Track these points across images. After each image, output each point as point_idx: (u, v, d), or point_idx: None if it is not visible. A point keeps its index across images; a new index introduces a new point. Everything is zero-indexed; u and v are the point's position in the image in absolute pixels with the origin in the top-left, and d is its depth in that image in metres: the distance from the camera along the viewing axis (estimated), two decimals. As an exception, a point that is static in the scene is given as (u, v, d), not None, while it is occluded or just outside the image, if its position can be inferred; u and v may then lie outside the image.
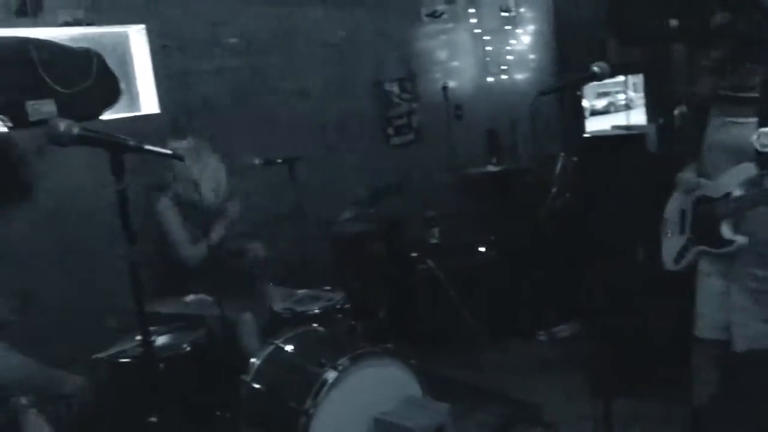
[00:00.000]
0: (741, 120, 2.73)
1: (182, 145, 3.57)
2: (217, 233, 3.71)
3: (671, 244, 3.09)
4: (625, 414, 3.36)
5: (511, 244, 4.94)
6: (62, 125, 1.75)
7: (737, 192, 2.75)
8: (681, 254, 3.04)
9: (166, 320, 3.27)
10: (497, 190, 5.47)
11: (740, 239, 2.76)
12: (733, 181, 2.77)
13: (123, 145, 1.84)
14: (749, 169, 2.70)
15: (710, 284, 2.93)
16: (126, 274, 3.91)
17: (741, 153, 2.72)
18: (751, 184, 2.71)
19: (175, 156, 2.00)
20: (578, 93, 2.80)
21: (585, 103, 5.14)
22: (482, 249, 4.91)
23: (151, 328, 3.08)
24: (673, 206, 3.11)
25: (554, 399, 3.90)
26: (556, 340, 4.79)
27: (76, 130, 1.77)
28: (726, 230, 2.79)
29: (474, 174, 5.60)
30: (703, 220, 2.89)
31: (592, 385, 3.83)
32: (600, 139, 5.15)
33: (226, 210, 3.80)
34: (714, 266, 2.91)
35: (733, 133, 2.76)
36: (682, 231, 3.04)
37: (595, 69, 2.55)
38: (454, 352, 4.40)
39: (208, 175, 3.61)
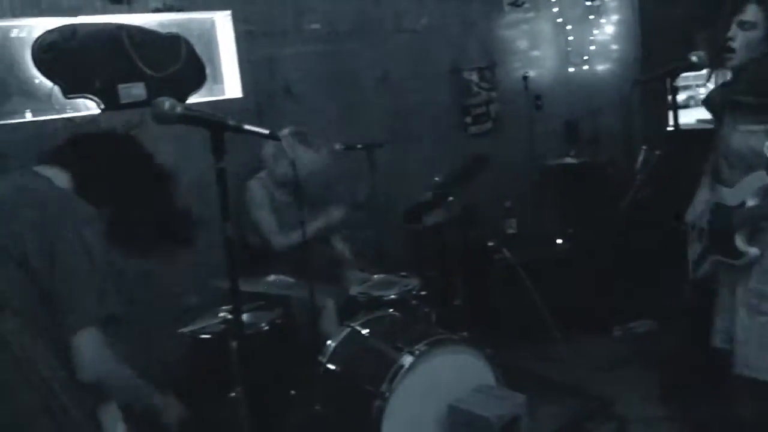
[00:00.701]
0: (754, 128, 2.61)
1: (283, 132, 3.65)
2: (313, 227, 3.74)
3: (692, 251, 2.98)
4: (700, 418, 3.26)
5: (590, 237, 4.84)
6: (166, 104, 1.78)
7: (751, 202, 2.63)
8: (698, 263, 2.92)
9: (247, 299, 3.34)
10: (576, 182, 5.36)
11: (752, 251, 2.63)
12: (748, 190, 2.64)
13: (223, 124, 1.86)
14: (763, 178, 2.58)
15: (722, 295, 2.82)
16: (205, 251, 4.06)
17: (756, 160, 2.60)
18: (765, 194, 2.59)
19: (272, 135, 2.02)
20: (673, 83, 2.69)
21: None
22: (559, 241, 4.83)
23: (229, 306, 3.21)
24: (695, 209, 2.99)
25: (627, 396, 3.82)
26: (632, 336, 4.68)
27: (179, 109, 1.80)
28: (740, 241, 2.66)
29: (552, 165, 5.51)
30: (719, 228, 2.76)
31: (667, 385, 3.74)
32: (685, 132, 4.97)
33: (329, 210, 3.84)
34: (727, 277, 2.79)
35: (748, 141, 2.63)
36: (700, 238, 2.92)
37: (694, 58, 2.48)
38: (528, 344, 4.35)
39: (306, 159, 3.65)
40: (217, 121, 1.85)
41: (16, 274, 1.72)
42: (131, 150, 2.10)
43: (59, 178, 1.89)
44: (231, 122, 1.88)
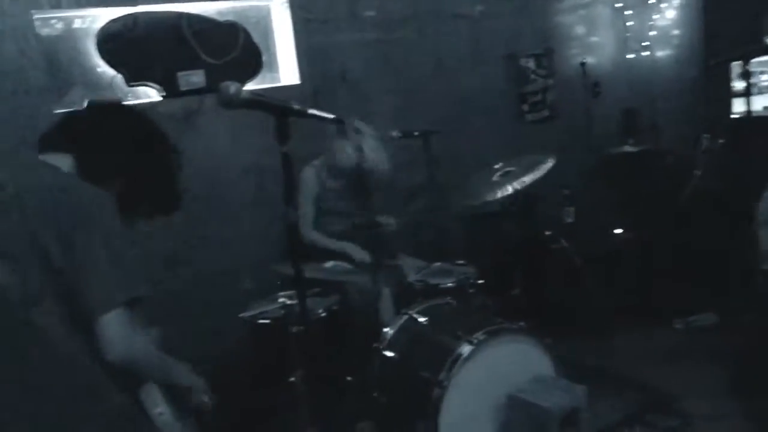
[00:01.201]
0: None
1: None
2: (341, 248, 3.72)
3: (765, 240, 2.85)
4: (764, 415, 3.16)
5: (649, 227, 4.72)
6: (232, 88, 1.80)
7: None
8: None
9: (304, 284, 3.35)
10: (635, 171, 5.24)
11: None
12: None
13: (288, 108, 1.86)
14: None
15: None
16: (261, 237, 4.09)
17: None
18: None
19: (337, 120, 2.01)
20: (746, 67, 2.60)
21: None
22: (618, 231, 4.73)
23: (288, 292, 3.24)
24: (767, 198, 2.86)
25: (688, 391, 3.72)
26: (693, 329, 4.55)
27: (244, 94, 1.81)
28: None
29: (611, 154, 5.39)
30: None
31: (730, 381, 3.63)
32: (749, 120, 4.82)
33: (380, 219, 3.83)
34: None
35: None
36: None
37: (769, 41, 2.37)
38: (586, 335, 4.26)
39: (367, 148, 3.64)
40: (281, 106, 1.84)
41: (44, 267, 1.73)
42: (135, 126, 2.01)
43: (62, 163, 1.87)
44: (296, 106, 1.87)
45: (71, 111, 2.02)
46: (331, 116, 1.99)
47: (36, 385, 1.75)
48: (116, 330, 1.71)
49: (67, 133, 1.93)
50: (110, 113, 2.01)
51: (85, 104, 2.08)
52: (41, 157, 1.88)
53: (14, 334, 1.74)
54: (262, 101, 1.84)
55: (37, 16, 3.70)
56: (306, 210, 3.83)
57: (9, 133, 3.53)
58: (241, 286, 3.88)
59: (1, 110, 3.59)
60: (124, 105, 2.09)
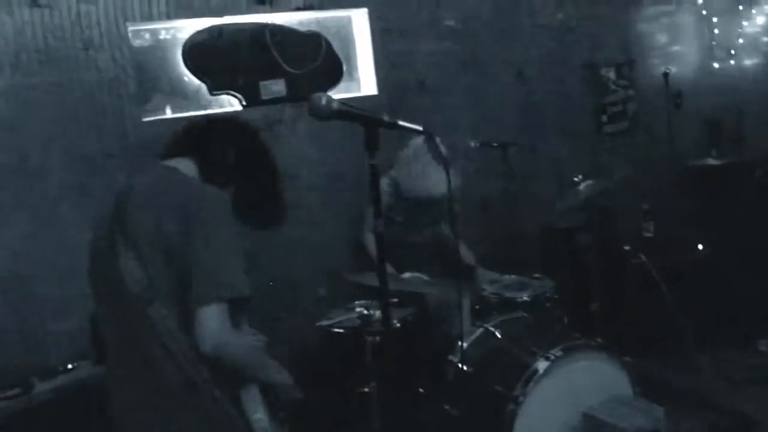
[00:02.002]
0: None
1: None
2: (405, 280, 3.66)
3: None
4: None
5: (734, 243, 4.55)
6: (323, 99, 1.81)
7: None
8: None
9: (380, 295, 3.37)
10: (719, 184, 5.07)
11: None
12: None
13: (378, 120, 1.87)
14: None
15: None
16: (338, 246, 4.14)
17: None
18: None
19: (426, 132, 2.01)
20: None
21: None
22: (701, 246, 4.58)
23: (365, 302, 3.27)
24: None
25: (771, 416, 3.58)
26: (779, 351, 4.38)
27: (335, 105, 1.81)
28: None
29: (694, 166, 5.23)
30: None
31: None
32: None
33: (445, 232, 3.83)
34: None
35: None
36: None
37: None
38: (664, 353, 4.16)
39: (435, 179, 3.63)
40: (371, 117, 1.86)
41: (161, 261, 1.83)
42: (245, 134, 2.15)
43: (184, 167, 2.01)
44: (385, 118, 1.88)
45: (194, 121, 2.15)
46: (420, 128, 1.99)
47: (152, 378, 1.85)
48: (215, 323, 1.79)
49: (190, 140, 2.08)
50: (228, 126, 2.14)
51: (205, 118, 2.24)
52: (165, 162, 2.03)
53: (135, 327, 1.84)
54: (352, 112, 1.86)
55: (132, 28, 3.86)
56: (369, 214, 3.85)
57: (118, 136, 3.76)
58: (316, 294, 3.94)
59: (98, 117, 3.75)
60: (240, 120, 2.20)
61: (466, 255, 3.84)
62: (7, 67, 3.60)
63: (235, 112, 2.31)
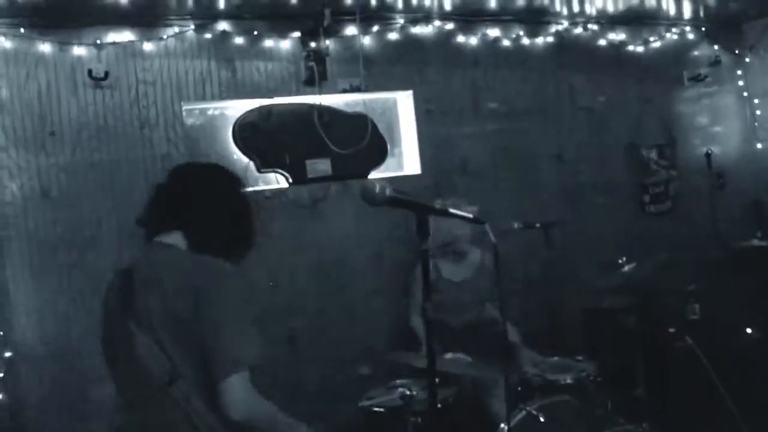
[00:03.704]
0: None
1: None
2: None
3: None
4: None
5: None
6: (377, 186, 1.83)
7: None
8: None
9: (421, 374, 3.36)
10: (766, 267, 4.98)
11: None
12: None
13: (429, 208, 1.91)
14: None
15: None
16: (379, 325, 4.14)
17: None
18: None
19: (477, 220, 2.04)
20: None
21: None
22: (749, 330, 4.47)
23: (406, 381, 3.26)
24: None
25: None
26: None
27: (388, 192, 1.84)
28: None
29: (739, 248, 5.16)
30: None
31: None
32: None
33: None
34: None
35: None
36: None
37: None
38: (713, 440, 4.02)
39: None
40: (423, 205, 1.89)
41: (175, 341, 1.87)
42: (224, 187, 2.13)
43: (177, 241, 2.01)
44: (437, 206, 1.92)
45: (175, 193, 2.09)
46: (471, 216, 2.03)
47: None
48: (241, 391, 1.82)
49: (176, 215, 2.04)
50: (208, 186, 2.11)
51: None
52: (159, 238, 2.03)
53: (159, 408, 1.87)
54: (405, 200, 1.88)
55: (186, 107, 4.03)
56: (416, 295, 3.87)
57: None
58: (357, 372, 3.93)
59: (150, 192, 3.87)
60: (217, 172, 2.19)
61: (512, 335, 3.81)
62: (69, 145, 3.79)
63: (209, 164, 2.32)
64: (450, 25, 4.53)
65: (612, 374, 3.64)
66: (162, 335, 1.87)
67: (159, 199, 2.10)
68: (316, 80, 4.13)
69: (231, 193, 2.12)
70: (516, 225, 3.79)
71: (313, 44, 4.15)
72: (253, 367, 1.88)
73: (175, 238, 2.02)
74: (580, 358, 3.66)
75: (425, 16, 4.45)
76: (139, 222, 2.10)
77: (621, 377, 3.82)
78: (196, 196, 2.06)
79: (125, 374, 1.99)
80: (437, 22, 4.49)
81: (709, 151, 5.26)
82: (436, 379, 3.10)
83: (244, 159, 4.13)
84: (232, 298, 1.89)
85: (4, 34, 3.67)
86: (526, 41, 4.77)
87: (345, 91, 4.27)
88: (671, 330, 4.25)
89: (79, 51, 3.80)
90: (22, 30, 3.69)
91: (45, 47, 3.74)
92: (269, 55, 4.18)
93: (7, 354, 3.63)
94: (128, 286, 1.96)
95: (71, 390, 3.71)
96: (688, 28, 5.32)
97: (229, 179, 2.16)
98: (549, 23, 4.84)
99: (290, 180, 4.19)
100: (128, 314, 1.92)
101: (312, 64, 4.14)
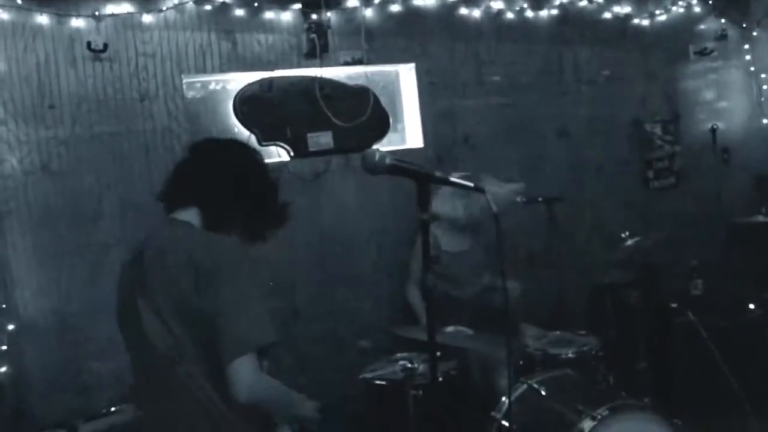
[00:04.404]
0: None
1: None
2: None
3: None
4: None
5: (787, 303, 4.43)
6: (377, 155, 1.84)
7: None
8: None
9: (422, 348, 3.36)
10: (769, 243, 4.96)
11: None
12: None
13: (430, 175, 1.89)
14: None
15: None
16: (379, 299, 4.14)
17: None
18: None
19: (478, 188, 2.02)
20: None
21: None
22: (752, 306, 4.46)
23: (407, 354, 3.26)
24: None
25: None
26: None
27: (388, 160, 1.84)
28: None
29: (743, 223, 5.14)
30: None
31: None
32: None
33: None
34: None
35: None
36: None
37: None
38: (713, 416, 4.01)
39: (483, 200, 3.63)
40: (424, 173, 1.87)
41: (183, 320, 1.85)
42: (244, 163, 2.12)
43: (192, 217, 2.00)
44: (438, 174, 1.90)
45: (195, 167, 2.09)
46: (472, 184, 2.01)
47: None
48: (248, 373, 1.82)
49: (193, 190, 2.05)
50: (227, 162, 2.10)
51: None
52: (174, 215, 2.03)
53: (165, 384, 1.87)
54: (405, 168, 1.87)
55: (186, 80, 4.00)
56: (414, 268, 3.86)
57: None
58: (358, 345, 3.93)
59: (151, 166, 3.87)
60: (238, 148, 2.18)
61: (513, 308, 3.81)
62: (68, 118, 3.76)
63: (230, 141, 2.29)
64: (453, -3, 4.48)
65: (614, 349, 3.65)
66: (168, 314, 1.86)
67: (177, 175, 2.09)
68: (317, 53, 4.09)
69: (252, 172, 2.10)
70: (519, 199, 3.77)
71: (314, 16, 4.11)
72: (264, 348, 1.87)
73: (190, 215, 2.01)
74: (582, 332, 3.67)
75: (428, -12, 4.40)
76: (159, 197, 2.08)
77: (623, 352, 3.83)
78: (214, 173, 2.04)
79: (135, 351, 1.99)
80: (440, -6, 4.44)
81: (715, 127, 5.22)
82: (438, 353, 3.14)
83: (245, 132, 4.10)
84: (239, 278, 1.87)
85: (2, 6, 3.62)
86: (529, 14, 4.70)
87: (347, 63, 4.22)
88: (674, 305, 4.25)
89: (77, 23, 3.75)
90: (19, 1, 3.64)
91: (43, 19, 3.69)
92: (270, 27, 4.12)
93: (10, 327, 3.64)
94: (140, 262, 1.95)
95: (73, 363, 3.72)
96: (694, 2, 5.24)
97: (250, 157, 2.15)
98: (553, -5, 4.78)
99: (291, 153, 4.16)
100: (138, 291, 1.92)
101: (313, 36, 4.10)
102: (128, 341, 2.04)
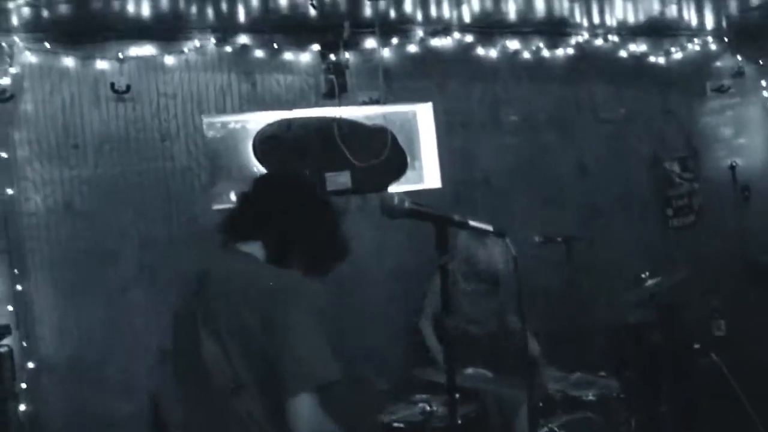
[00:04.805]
0: None
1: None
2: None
3: None
4: None
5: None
6: (396, 198, 1.83)
7: None
8: None
9: (440, 390, 3.33)
10: (793, 282, 4.89)
11: None
12: None
13: (448, 219, 1.87)
14: None
15: None
16: (398, 339, 4.11)
17: None
18: None
19: (497, 233, 2.01)
20: None
21: None
22: (777, 347, 4.39)
23: (426, 396, 3.23)
24: None
25: None
26: None
27: (407, 204, 1.83)
28: None
29: (765, 262, 5.07)
30: None
31: None
32: None
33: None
34: None
35: None
36: None
37: None
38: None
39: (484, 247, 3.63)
40: (443, 217, 1.86)
41: (244, 353, 1.84)
42: (306, 196, 2.09)
43: (256, 250, 1.98)
44: (456, 218, 1.89)
45: (256, 201, 2.07)
46: (491, 228, 1.99)
47: None
48: (308, 410, 1.77)
49: (258, 225, 2.02)
50: (291, 195, 2.07)
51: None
52: (239, 246, 2.00)
53: (221, 416, 1.85)
54: (424, 212, 1.86)
55: (206, 120, 4.05)
56: (429, 304, 3.84)
57: (188, 222, 3.94)
58: (377, 387, 3.90)
59: (171, 205, 3.92)
60: (299, 182, 2.18)
61: (533, 348, 3.78)
62: (91, 157, 3.82)
63: (294, 174, 2.30)
64: (469, 38, 4.51)
65: (636, 391, 3.59)
66: (228, 344, 1.83)
67: (241, 208, 2.08)
68: (335, 93, 4.13)
69: (314, 206, 2.08)
70: (537, 239, 3.75)
71: (332, 57, 4.16)
72: (325, 386, 1.82)
73: (254, 248, 1.99)
74: (603, 374, 3.62)
75: (444, 29, 4.44)
76: (220, 229, 2.07)
77: (645, 394, 3.77)
78: (278, 207, 2.03)
79: (190, 381, 1.98)
80: (457, 35, 4.48)
81: (734, 164, 5.20)
82: (457, 395, 3.11)
83: (263, 171, 4.13)
84: (303, 312, 1.84)
85: (30, 49, 3.72)
86: (546, 53, 4.74)
87: (365, 103, 4.27)
88: (696, 346, 4.19)
89: (101, 65, 3.84)
90: (46, 44, 3.74)
91: (69, 61, 3.79)
92: (289, 68, 4.19)
93: (30, 365, 3.66)
94: (201, 291, 1.94)
95: (93, 402, 3.72)
96: (710, 39, 5.26)
97: (312, 191, 2.15)
98: (569, 35, 4.80)
99: (309, 193, 4.17)
100: (198, 319, 1.90)
101: (332, 76, 4.15)
102: (185, 371, 2.02)
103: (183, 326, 1.99)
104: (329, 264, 2.10)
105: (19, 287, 3.68)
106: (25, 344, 3.66)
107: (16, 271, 3.68)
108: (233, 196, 4.11)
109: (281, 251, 2.00)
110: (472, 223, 1.96)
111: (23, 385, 3.60)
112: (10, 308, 3.65)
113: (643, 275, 3.68)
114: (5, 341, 3.47)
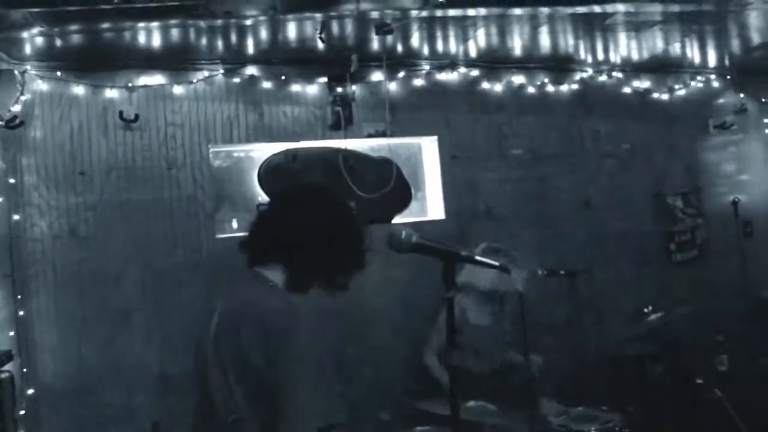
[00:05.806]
0: None
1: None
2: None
3: None
4: None
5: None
6: (403, 233, 1.83)
7: None
8: None
9: (442, 422, 3.31)
10: (797, 318, 4.87)
11: None
12: None
13: (456, 254, 1.88)
14: None
15: None
16: (402, 371, 4.09)
17: None
18: None
19: (503, 268, 2.02)
20: None
21: None
22: (780, 383, 4.36)
23: (428, 428, 3.21)
24: None
25: None
26: None
27: (414, 239, 1.83)
28: None
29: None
30: None
31: None
32: None
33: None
34: None
35: None
36: None
37: None
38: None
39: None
40: (450, 252, 1.87)
41: (244, 384, 1.82)
42: (333, 211, 2.07)
43: (279, 278, 1.95)
44: (464, 253, 1.90)
45: (280, 222, 2.02)
46: (497, 263, 2.01)
47: None
48: None
49: (279, 250, 1.97)
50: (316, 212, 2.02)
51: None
52: (257, 268, 1.97)
53: None
54: (431, 247, 1.86)
55: (213, 149, 4.09)
56: (434, 337, 3.83)
57: (193, 251, 3.96)
58: (379, 417, 3.88)
59: (176, 233, 3.95)
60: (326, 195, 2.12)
61: (535, 361, 3.77)
62: (97, 184, 3.85)
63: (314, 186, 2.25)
64: (475, 72, 4.57)
65: (638, 425, 3.56)
66: (232, 375, 1.82)
67: (261, 226, 2.05)
68: (342, 125, 4.18)
69: (337, 212, 2.07)
70: (540, 272, 3.75)
71: (339, 89, 4.21)
72: (326, 428, 1.81)
73: (275, 274, 1.96)
74: (605, 408, 3.59)
75: (451, 63, 4.51)
76: (242, 247, 2.04)
77: (648, 429, 3.74)
78: (300, 219, 1.98)
79: (198, 406, 1.96)
80: (462, 69, 4.54)
81: (737, 199, 5.22)
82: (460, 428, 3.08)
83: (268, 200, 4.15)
84: (310, 354, 1.81)
85: (41, 77, 3.77)
86: (550, 88, 4.79)
87: (370, 135, 4.31)
88: (699, 381, 4.16)
89: (111, 93, 3.90)
90: (58, 73, 3.80)
91: (79, 90, 3.84)
92: (296, 100, 4.24)
93: (30, 392, 3.65)
94: (214, 318, 1.93)
95: (91, 428, 3.70)
96: (713, 76, 5.32)
97: (333, 197, 2.12)
98: (574, 71, 4.86)
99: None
100: (211, 348, 1.89)
101: (338, 108, 4.20)
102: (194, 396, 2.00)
103: (199, 350, 1.97)
104: (349, 276, 2.07)
105: (21, 312, 3.69)
106: (25, 370, 3.65)
107: (19, 296, 3.69)
108: (234, 224, 4.17)
109: (302, 272, 1.97)
110: (478, 258, 1.97)
111: (22, 412, 3.58)
112: (12, 333, 3.65)
113: (645, 309, 3.67)
114: (6, 367, 3.46)
